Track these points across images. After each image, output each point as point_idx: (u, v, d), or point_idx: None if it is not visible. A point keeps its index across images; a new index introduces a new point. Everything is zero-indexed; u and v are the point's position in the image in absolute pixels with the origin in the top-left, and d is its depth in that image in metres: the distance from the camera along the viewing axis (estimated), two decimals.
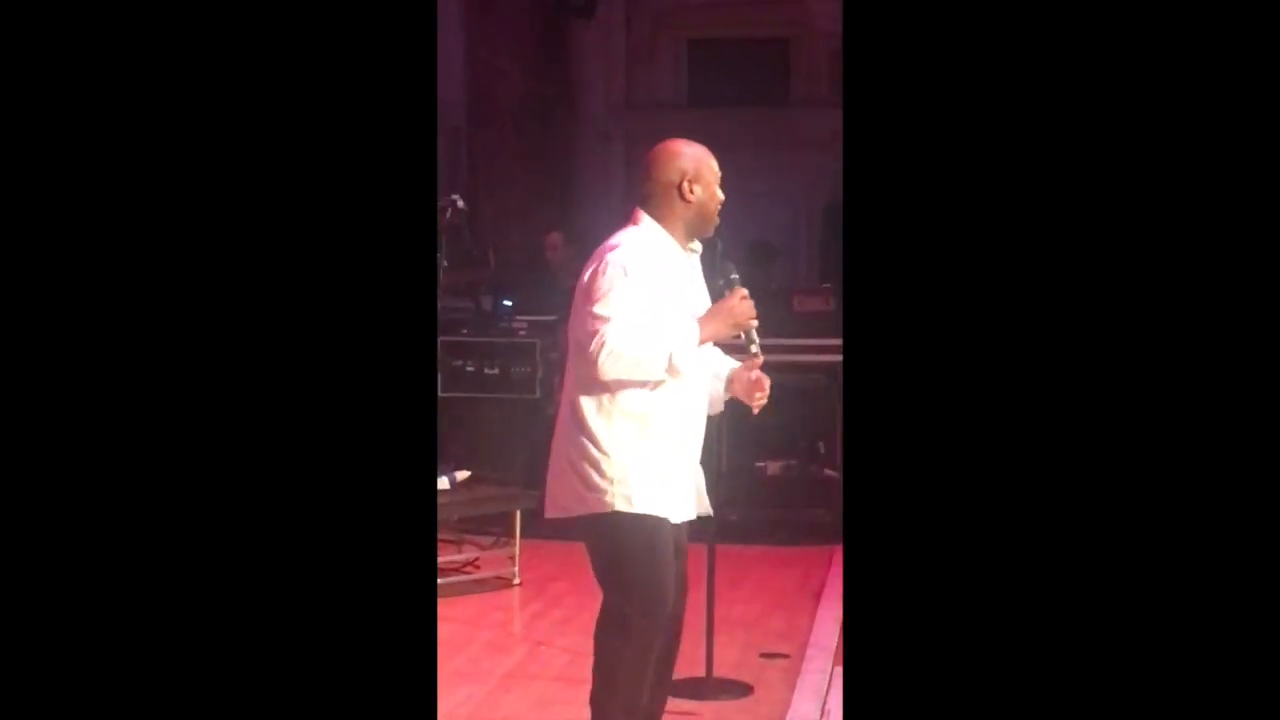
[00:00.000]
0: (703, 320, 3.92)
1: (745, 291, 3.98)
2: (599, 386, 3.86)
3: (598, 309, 3.78)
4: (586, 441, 3.88)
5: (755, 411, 4.08)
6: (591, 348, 3.76)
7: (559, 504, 3.99)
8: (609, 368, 3.77)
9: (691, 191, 3.95)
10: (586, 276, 3.89)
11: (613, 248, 3.88)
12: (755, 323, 3.98)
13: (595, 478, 3.87)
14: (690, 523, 4.09)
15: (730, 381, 4.08)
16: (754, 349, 4.03)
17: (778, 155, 12.61)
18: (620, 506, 3.86)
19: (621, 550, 3.89)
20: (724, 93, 13.37)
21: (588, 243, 10.31)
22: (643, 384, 3.85)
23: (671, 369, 3.83)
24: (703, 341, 3.90)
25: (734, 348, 4.10)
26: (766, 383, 4.03)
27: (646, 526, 3.88)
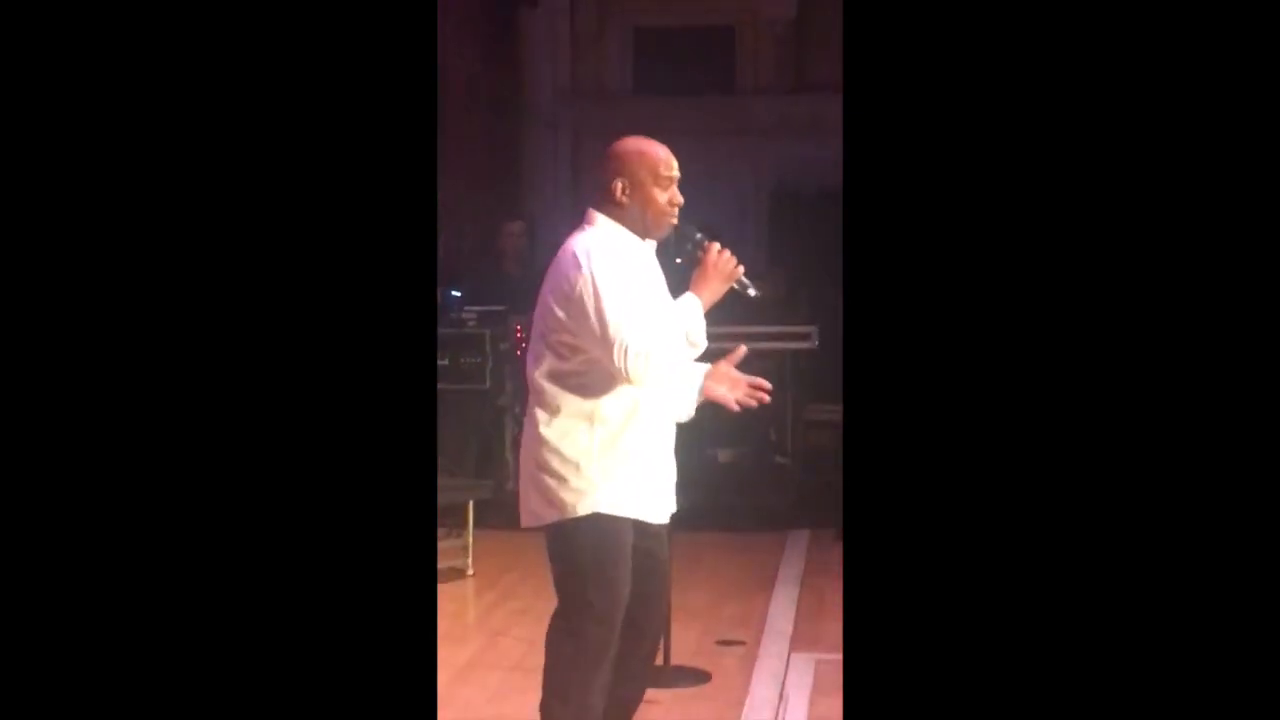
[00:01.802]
0: (696, 287, 3.83)
1: (718, 245, 3.89)
2: (571, 394, 3.80)
3: (606, 327, 3.68)
4: (560, 448, 3.80)
5: (738, 408, 4.00)
6: (615, 362, 3.67)
7: (533, 513, 3.90)
8: (640, 371, 3.69)
9: (625, 194, 3.85)
10: (558, 297, 3.78)
11: (575, 260, 3.77)
12: (742, 269, 3.89)
13: (574, 482, 3.79)
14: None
15: (708, 383, 3.98)
16: (751, 292, 3.95)
17: (724, 142, 12.64)
18: (595, 509, 3.79)
19: (585, 556, 3.81)
20: (670, 80, 13.38)
21: (538, 231, 10.25)
22: (603, 389, 3.78)
23: (692, 345, 3.79)
24: (706, 305, 3.82)
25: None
26: (743, 379, 3.99)
27: (615, 531, 3.82)
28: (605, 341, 3.69)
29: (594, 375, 3.79)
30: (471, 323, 8.55)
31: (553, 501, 3.82)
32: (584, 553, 3.82)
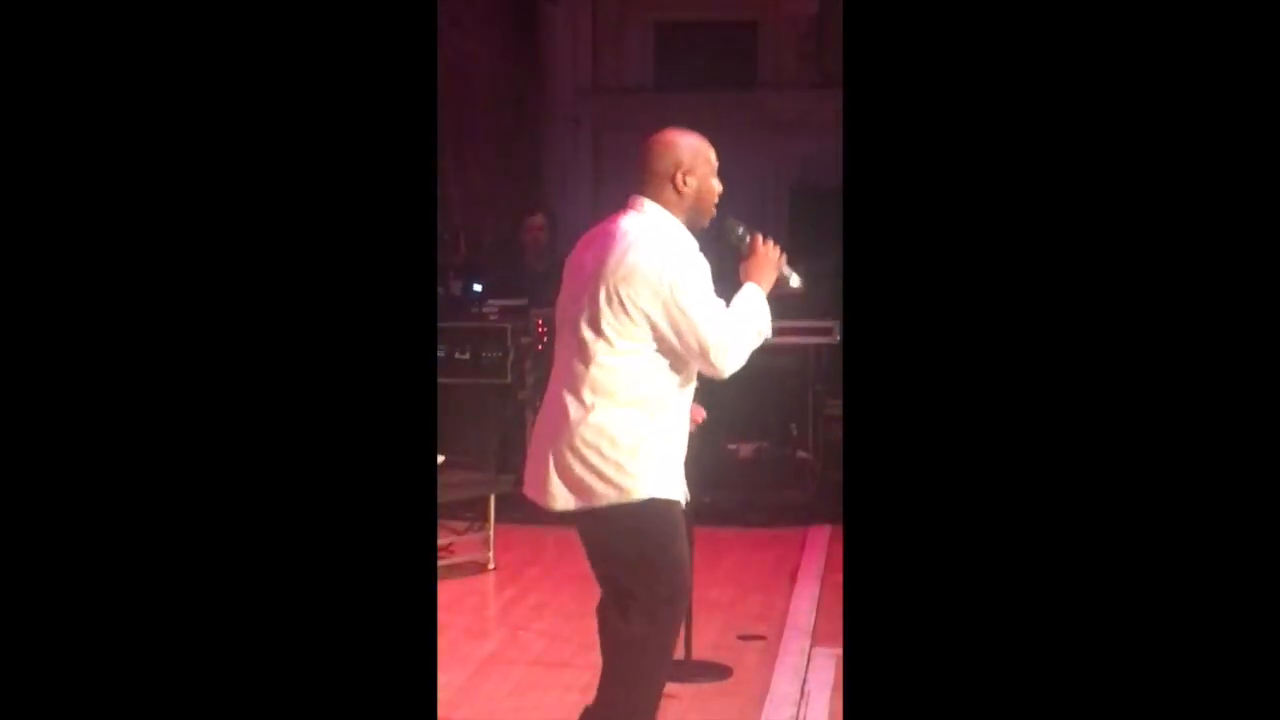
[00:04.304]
0: (754, 277, 3.99)
1: (761, 235, 4.05)
2: (629, 381, 3.80)
3: (700, 323, 3.77)
4: (613, 434, 3.79)
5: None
6: (713, 359, 3.78)
7: (582, 495, 3.84)
8: (733, 366, 3.84)
9: (685, 183, 3.92)
10: (634, 285, 3.77)
11: (657, 250, 3.80)
12: (785, 258, 4.05)
13: (630, 466, 3.80)
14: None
15: None
16: (794, 283, 4.12)
17: (745, 138, 12.60)
18: (655, 493, 3.82)
19: (653, 537, 3.83)
20: (691, 75, 13.37)
21: (559, 225, 10.25)
22: (669, 377, 3.84)
23: (760, 335, 3.93)
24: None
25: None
26: (700, 414, 4.15)
27: (671, 513, 3.87)
28: (702, 341, 3.77)
29: (659, 363, 3.82)
30: (493, 316, 8.54)
31: (607, 484, 3.80)
32: (648, 538, 3.84)
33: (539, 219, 9.45)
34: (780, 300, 8.67)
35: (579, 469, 3.83)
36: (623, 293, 3.79)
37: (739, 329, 3.84)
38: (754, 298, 3.94)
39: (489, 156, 11.96)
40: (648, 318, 3.78)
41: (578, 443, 3.83)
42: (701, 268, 3.85)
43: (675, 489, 3.90)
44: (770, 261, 4.01)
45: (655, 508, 3.84)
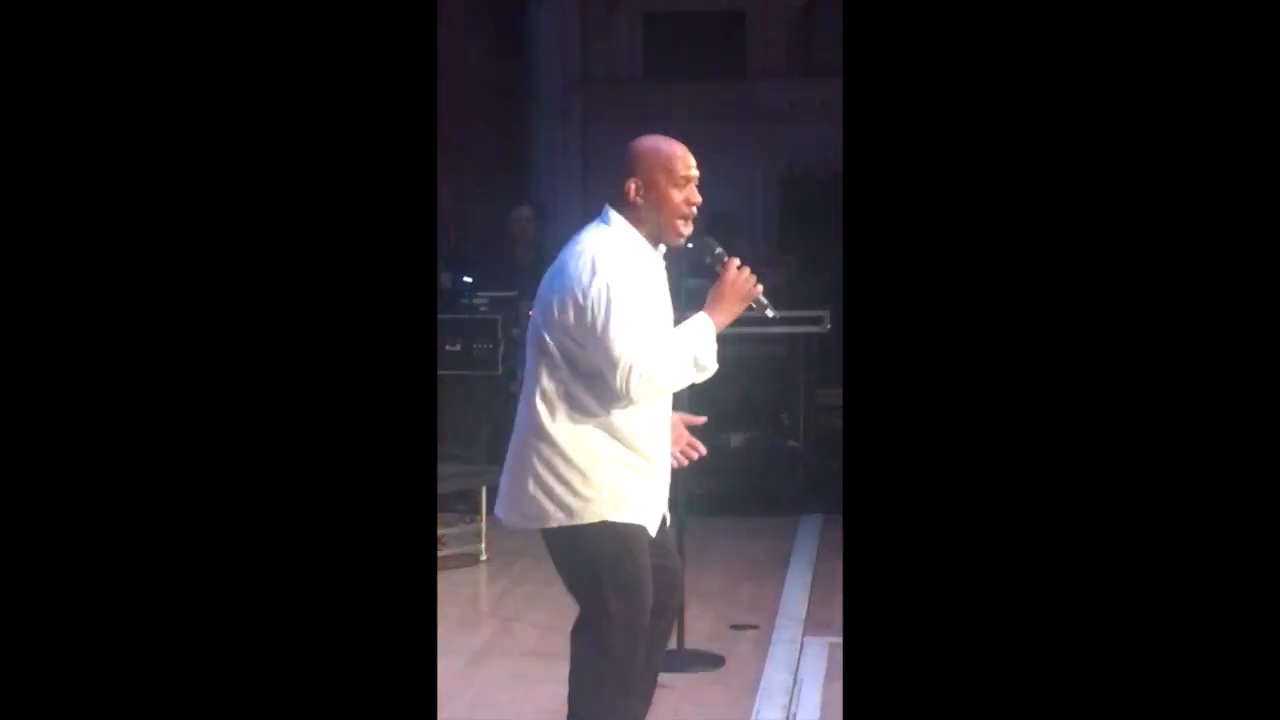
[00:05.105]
0: (711, 307, 3.71)
1: (738, 261, 3.77)
2: (580, 399, 3.65)
3: (612, 344, 3.55)
4: (568, 452, 3.65)
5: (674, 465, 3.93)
6: (618, 382, 3.55)
7: (531, 515, 3.72)
8: (642, 392, 3.58)
9: (638, 194, 3.71)
10: (565, 300, 3.63)
11: (590, 266, 3.62)
12: (761, 288, 3.77)
13: (580, 487, 3.65)
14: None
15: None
16: (769, 313, 3.84)
17: (734, 128, 12.63)
18: (607, 516, 3.66)
19: (603, 560, 3.67)
20: (679, 66, 13.37)
21: (549, 217, 10.22)
22: (617, 400, 3.63)
23: (700, 368, 3.68)
24: (720, 327, 3.69)
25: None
26: (696, 449, 3.98)
27: (630, 534, 3.69)
28: (610, 358, 3.56)
29: (606, 385, 3.63)
30: (484, 308, 8.54)
31: (557, 505, 3.68)
32: (599, 561, 3.68)
33: (525, 210, 9.46)
34: (773, 289, 8.68)
35: (531, 486, 3.70)
36: (561, 309, 3.64)
37: (667, 357, 3.60)
38: (699, 328, 3.67)
39: (479, 149, 11.97)
40: (582, 336, 3.61)
41: (532, 459, 3.70)
42: (637, 283, 3.64)
43: (636, 511, 3.71)
44: (736, 290, 3.72)
45: (608, 532, 3.67)
